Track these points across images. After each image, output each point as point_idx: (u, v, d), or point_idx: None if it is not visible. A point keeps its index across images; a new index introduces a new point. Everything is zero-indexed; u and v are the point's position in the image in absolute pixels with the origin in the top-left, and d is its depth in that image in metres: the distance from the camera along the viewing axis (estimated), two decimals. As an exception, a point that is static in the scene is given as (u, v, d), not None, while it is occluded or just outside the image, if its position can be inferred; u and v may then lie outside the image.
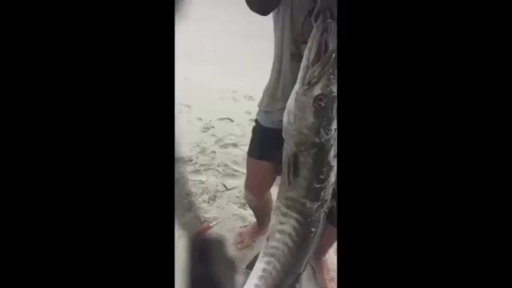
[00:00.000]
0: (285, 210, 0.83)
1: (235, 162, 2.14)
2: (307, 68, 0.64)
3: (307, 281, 1.27)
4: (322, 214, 0.83)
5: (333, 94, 0.64)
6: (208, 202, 1.80)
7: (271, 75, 0.97)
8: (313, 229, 0.83)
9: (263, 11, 0.86)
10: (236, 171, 2.06)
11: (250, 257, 1.08)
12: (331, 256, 1.36)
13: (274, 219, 0.87)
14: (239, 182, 1.90)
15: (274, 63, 0.95)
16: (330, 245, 1.29)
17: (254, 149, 1.10)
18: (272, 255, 0.87)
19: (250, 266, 0.93)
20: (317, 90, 0.63)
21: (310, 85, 0.64)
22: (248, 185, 1.25)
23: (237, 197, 1.84)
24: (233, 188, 1.92)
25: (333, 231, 0.99)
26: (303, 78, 0.65)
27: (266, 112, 1.00)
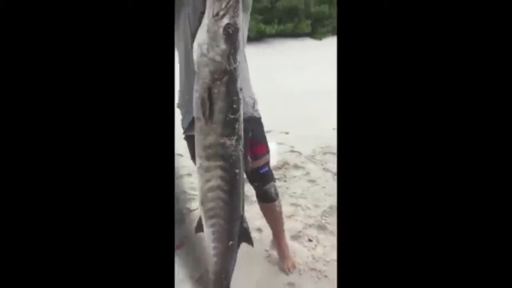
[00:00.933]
0: (207, 163, 0.88)
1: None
2: (213, 2, 0.72)
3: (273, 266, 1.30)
4: (240, 153, 0.88)
5: (237, 26, 0.73)
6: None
7: (180, 79, 1.10)
8: (237, 170, 0.89)
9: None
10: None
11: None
12: (290, 243, 1.39)
13: (200, 181, 0.92)
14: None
15: (180, 68, 1.10)
16: (278, 225, 1.29)
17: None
18: (213, 217, 0.94)
19: (198, 229, 1.01)
20: (225, 20, 0.72)
21: (218, 16, 0.72)
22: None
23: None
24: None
25: (268, 208, 1.24)
26: (211, 11, 0.72)
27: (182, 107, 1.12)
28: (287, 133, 2.71)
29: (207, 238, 1.00)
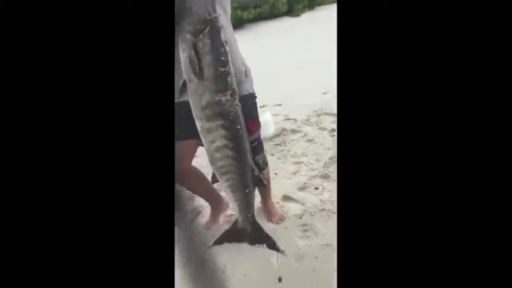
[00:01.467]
0: (207, 125, 0.90)
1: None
2: None
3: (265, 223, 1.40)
4: (238, 108, 0.91)
5: None
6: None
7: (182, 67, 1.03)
8: (238, 126, 0.93)
9: None
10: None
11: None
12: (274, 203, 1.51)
13: (205, 144, 0.96)
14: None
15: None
16: (266, 190, 1.40)
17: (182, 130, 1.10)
18: (226, 173, 1.01)
19: (214, 180, 1.09)
20: None
21: None
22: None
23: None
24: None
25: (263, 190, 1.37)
26: None
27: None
28: (280, 105, 2.82)
29: (224, 189, 1.12)
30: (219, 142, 0.95)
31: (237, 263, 1.24)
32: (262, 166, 1.28)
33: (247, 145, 1.03)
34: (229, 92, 0.88)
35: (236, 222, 1.27)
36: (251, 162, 1.08)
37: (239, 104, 0.94)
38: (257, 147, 1.23)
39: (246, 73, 1.14)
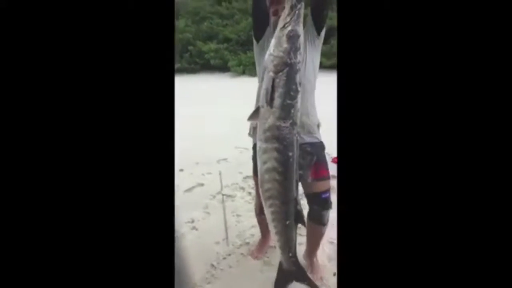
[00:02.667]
0: (264, 145, 1.00)
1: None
2: (283, 19, 0.95)
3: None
4: (294, 138, 0.99)
5: (297, 32, 0.95)
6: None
7: (257, 100, 1.16)
8: (290, 153, 1.00)
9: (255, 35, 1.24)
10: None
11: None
12: (321, 258, 1.49)
13: (259, 163, 1.03)
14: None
15: (259, 88, 1.15)
16: (316, 245, 1.41)
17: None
18: (270, 197, 1.05)
19: (260, 211, 1.18)
20: (288, 28, 0.95)
21: (284, 27, 0.95)
22: (258, 203, 1.38)
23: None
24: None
25: (316, 230, 1.32)
26: (280, 25, 0.96)
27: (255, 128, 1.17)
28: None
29: (267, 218, 1.11)
30: (270, 164, 1.01)
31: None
32: (325, 222, 1.28)
33: (294, 176, 1.04)
34: (290, 121, 0.97)
35: (280, 264, 1.21)
36: (295, 194, 1.07)
37: (296, 134, 1.01)
38: (327, 200, 1.24)
39: (318, 126, 1.30)
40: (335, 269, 1.44)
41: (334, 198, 1.49)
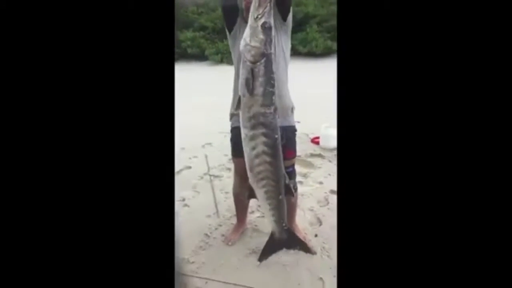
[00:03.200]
0: (251, 132, 1.10)
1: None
2: (255, 9, 1.03)
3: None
4: (277, 121, 1.12)
5: (270, 24, 1.04)
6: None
7: (234, 86, 1.30)
8: (276, 136, 1.13)
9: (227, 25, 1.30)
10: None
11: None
12: (302, 223, 1.71)
13: (247, 150, 1.13)
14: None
15: (235, 76, 1.27)
16: (293, 211, 1.56)
17: (236, 150, 1.32)
18: (263, 179, 1.17)
19: (250, 196, 1.26)
20: (263, 19, 1.03)
21: (257, 18, 1.03)
22: (237, 183, 1.51)
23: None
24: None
25: (289, 200, 1.41)
26: (253, 15, 1.03)
27: (236, 115, 1.25)
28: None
29: (260, 198, 1.25)
30: (259, 148, 1.12)
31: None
32: (292, 191, 1.41)
33: (281, 155, 1.18)
34: (273, 107, 1.09)
35: (272, 234, 1.36)
36: (283, 171, 1.22)
37: (277, 117, 1.13)
38: (292, 173, 1.40)
39: (292, 110, 1.37)
40: (316, 232, 1.64)
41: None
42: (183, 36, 11.07)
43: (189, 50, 10.85)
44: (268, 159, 1.14)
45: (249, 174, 1.19)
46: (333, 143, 2.65)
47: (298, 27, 10.49)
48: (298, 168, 2.30)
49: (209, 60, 10.20)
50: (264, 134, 1.10)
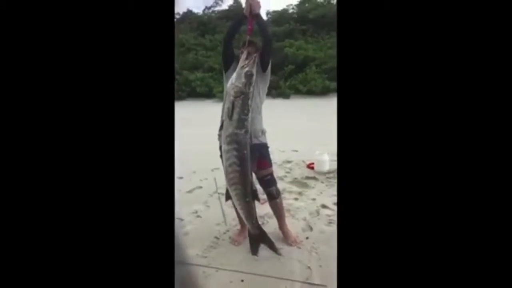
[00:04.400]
0: (227, 147, 1.54)
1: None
2: (242, 60, 1.53)
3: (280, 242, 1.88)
4: (247, 141, 1.54)
5: (252, 72, 1.51)
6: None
7: (222, 114, 1.65)
8: (245, 152, 1.54)
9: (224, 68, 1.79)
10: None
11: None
12: (289, 228, 1.98)
13: (223, 161, 1.58)
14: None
15: (223, 105, 1.64)
16: (281, 215, 1.90)
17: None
18: (233, 184, 1.59)
19: (227, 197, 1.67)
20: (246, 68, 1.51)
21: (243, 67, 1.51)
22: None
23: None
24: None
25: (273, 203, 1.88)
26: (241, 64, 1.52)
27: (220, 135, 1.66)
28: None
29: (233, 199, 1.64)
30: (231, 160, 1.53)
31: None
32: (275, 195, 1.85)
33: (249, 166, 1.58)
34: (244, 130, 1.52)
35: (249, 230, 1.74)
36: (251, 179, 1.61)
37: (247, 138, 1.55)
38: (271, 180, 1.81)
39: (263, 132, 1.82)
40: (307, 235, 1.96)
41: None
42: (193, 76, 12.02)
43: (198, 89, 11.71)
44: (237, 168, 1.54)
45: (225, 180, 1.61)
46: (326, 167, 3.06)
47: (299, 68, 11.42)
48: (295, 188, 2.70)
49: (216, 97, 11.00)
50: (236, 149, 1.53)
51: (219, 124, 1.62)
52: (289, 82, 10.96)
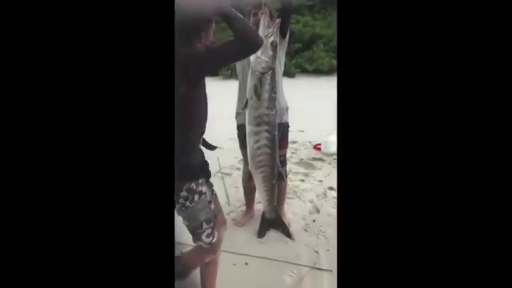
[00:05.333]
0: (256, 128, 1.42)
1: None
2: (264, 28, 1.33)
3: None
4: (276, 121, 1.44)
5: (276, 43, 1.35)
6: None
7: (239, 91, 1.64)
8: (275, 133, 1.45)
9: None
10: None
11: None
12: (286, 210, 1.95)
13: (250, 142, 1.44)
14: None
15: (240, 84, 1.64)
16: (283, 197, 1.81)
17: (243, 142, 1.57)
18: (262, 166, 1.47)
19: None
20: (272, 38, 1.34)
21: (267, 36, 1.33)
22: (246, 171, 1.72)
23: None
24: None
25: (280, 184, 1.69)
26: (263, 33, 1.30)
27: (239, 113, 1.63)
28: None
29: (257, 182, 1.55)
30: (262, 142, 1.44)
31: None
32: (284, 177, 1.72)
33: (277, 148, 1.49)
34: (274, 110, 1.41)
35: (263, 213, 1.65)
36: (278, 160, 1.52)
37: (277, 119, 1.46)
38: (284, 161, 1.70)
39: (287, 110, 1.71)
40: (314, 218, 1.88)
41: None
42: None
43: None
44: (268, 150, 1.45)
45: (250, 162, 1.49)
46: (333, 148, 2.93)
47: (306, 46, 11.01)
48: (301, 169, 2.60)
49: (221, 75, 10.74)
50: (267, 131, 1.42)
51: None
52: (294, 61, 10.64)
